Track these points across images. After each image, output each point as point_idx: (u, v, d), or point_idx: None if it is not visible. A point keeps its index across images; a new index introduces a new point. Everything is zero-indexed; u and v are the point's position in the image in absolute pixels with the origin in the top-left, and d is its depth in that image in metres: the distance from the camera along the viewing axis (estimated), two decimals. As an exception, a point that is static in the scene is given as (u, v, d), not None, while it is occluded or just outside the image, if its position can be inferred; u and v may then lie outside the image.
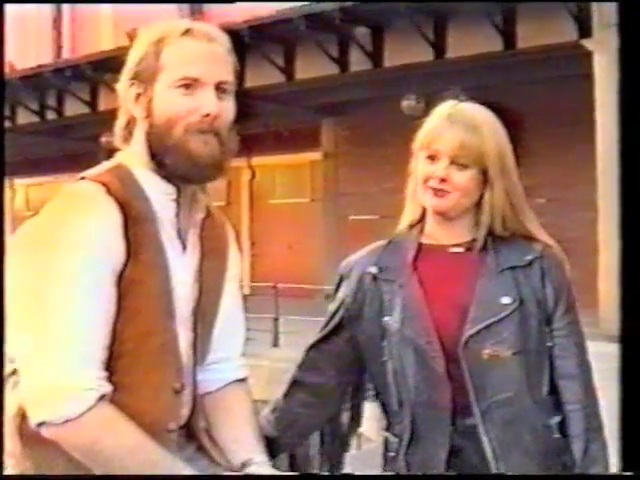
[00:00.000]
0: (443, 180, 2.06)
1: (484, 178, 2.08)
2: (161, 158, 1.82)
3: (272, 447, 2.08)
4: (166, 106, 1.81)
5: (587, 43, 10.02)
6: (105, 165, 1.87)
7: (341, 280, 2.22)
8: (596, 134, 9.58)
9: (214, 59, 1.84)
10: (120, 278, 1.75)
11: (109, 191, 1.75)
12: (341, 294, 2.20)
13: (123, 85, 1.87)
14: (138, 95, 1.84)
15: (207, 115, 1.80)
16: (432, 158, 2.08)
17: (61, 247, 1.70)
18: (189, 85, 1.80)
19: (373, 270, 2.15)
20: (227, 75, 1.86)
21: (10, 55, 15.07)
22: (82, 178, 1.81)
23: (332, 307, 2.22)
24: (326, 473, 2.31)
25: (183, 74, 1.80)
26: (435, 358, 2.03)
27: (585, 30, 10.16)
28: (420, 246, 2.15)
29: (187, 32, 1.83)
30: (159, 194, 1.84)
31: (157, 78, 1.82)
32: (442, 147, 2.06)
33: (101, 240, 1.72)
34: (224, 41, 1.88)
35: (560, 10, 10.27)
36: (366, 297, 2.14)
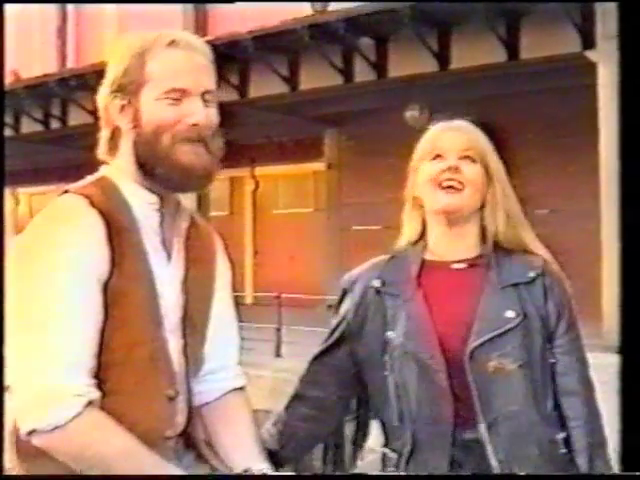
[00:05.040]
0: (456, 170, 2.07)
1: (487, 177, 2.12)
2: (151, 167, 1.85)
3: (274, 460, 2.08)
4: (154, 116, 1.83)
5: (591, 54, 10.03)
6: (89, 178, 1.89)
7: (344, 294, 2.22)
8: (599, 145, 9.58)
9: (198, 69, 1.87)
10: (106, 288, 1.76)
11: (92, 203, 1.78)
12: (344, 308, 2.20)
13: (105, 97, 1.89)
14: (122, 106, 1.86)
15: (195, 124, 1.83)
16: (438, 157, 2.10)
17: (47, 259, 1.72)
18: (176, 96, 1.83)
19: (376, 284, 2.15)
20: (211, 84, 1.90)
21: (15, 64, 15.13)
22: (66, 191, 1.84)
23: (334, 321, 2.21)
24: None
25: (170, 86, 1.83)
26: (438, 372, 2.02)
27: (589, 41, 10.17)
28: (423, 262, 2.15)
29: (172, 43, 1.86)
30: (142, 204, 1.86)
31: (142, 89, 1.84)
32: (448, 145, 2.10)
33: (85, 251, 1.74)
34: (206, 51, 1.91)
35: (564, 21, 10.29)
36: (369, 311, 2.14)
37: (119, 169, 1.88)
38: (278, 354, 11.46)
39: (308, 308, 13.35)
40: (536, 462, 2.03)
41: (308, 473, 2.28)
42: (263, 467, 1.93)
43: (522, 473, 2.01)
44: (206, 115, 1.85)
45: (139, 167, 1.86)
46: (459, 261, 2.13)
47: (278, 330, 11.69)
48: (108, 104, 1.88)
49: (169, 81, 1.83)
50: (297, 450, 2.27)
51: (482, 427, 2.00)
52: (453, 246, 2.13)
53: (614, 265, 8.53)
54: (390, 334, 2.08)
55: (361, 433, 2.31)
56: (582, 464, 2.04)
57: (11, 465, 1.79)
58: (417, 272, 2.13)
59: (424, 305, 2.08)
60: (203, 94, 1.86)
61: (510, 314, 2.04)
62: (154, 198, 1.87)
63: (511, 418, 2.01)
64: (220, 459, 1.97)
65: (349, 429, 2.30)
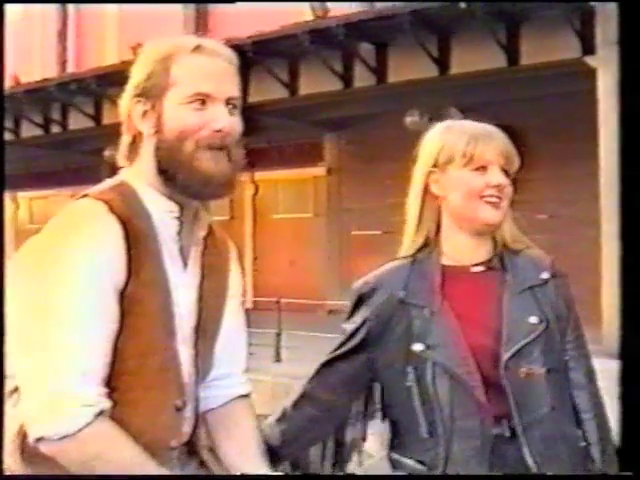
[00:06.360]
0: (503, 188, 2.06)
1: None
2: (172, 174, 1.82)
3: (274, 457, 2.07)
4: (177, 121, 1.80)
5: (590, 60, 10.04)
6: (108, 182, 1.86)
7: (360, 300, 2.17)
8: (599, 150, 9.59)
9: (223, 75, 1.85)
10: (122, 296, 1.74)
11: (111, 209, 1.75)
12: (361, 315, 2.15)
13: (127, 102, 1.86)
14: (145, 112, 1.83)
15: (219, 130, 1.81)
16: (481, 169, 2.06)
17: (63, 265, 1.70)
18: (201, 101, 1.81)
19: (401, 294, 2.10)
20: (235, 91, 1.88)
21: (15, 68, 15.14)
22: (85, 195, 1.81)
23: (351, 327, 2.16)
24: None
25: (195, 90, 1.80)
26: (476, 387, 2.00)
27: (589, 47, 10.18)
28: (443, 268, 2.12)
29: (197, 48, 1.83)
30: (161, 212, 1.84)
31: (166, 94, 1.81)
32: (493, 157, 2.06)
33: (103, 258, 1.72)
34: (231, 57, 1.89)
35: (564, 27, 10.30)
36: (391, 320, 2.10)
37: (139, 175, 1.85)
38: (278, 359, 11.44)
39: (308, 313, 13.37)
40: (566, 459, 2.05)
41: (306, 472, 2.28)
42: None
43: (554, 471, 2.01)
44: (230, 122, 1.83)
45: (160, 174, 1.83)
46: (477, 264, 2.12)
47: (278, 335, 11.67)
48: (131, 109, 1.85)
49: (194, 86, 1.80)
50: (298, 449, 2.27)
51: (519, 431, 2.00)
52: (471, 251, 2.13)
53: (613, 271, 8.54)
54: (418, 347, 2.05)
55: (360, 436, 2.29)
56: (596, 455, 2.07)
57: (15, 468, 1.78)
58: (440, 281, 2.10)
59: (453, 317, 2.05)
60: (227, 101, 1.84)
61: (533, 320, 2.05)
62: (174, 206, 1.85)
63: (543, 421, 2.02)
64: (223, 466, 1.97)
65: (350, 432, 2.29)
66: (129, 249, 1.74)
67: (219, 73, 1.84)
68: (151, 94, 1.83)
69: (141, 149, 1.86)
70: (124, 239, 1.74)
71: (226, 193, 1.87)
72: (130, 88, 1.86)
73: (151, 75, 1.83)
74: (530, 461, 1.99)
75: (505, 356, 2.00)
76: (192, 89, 1.80)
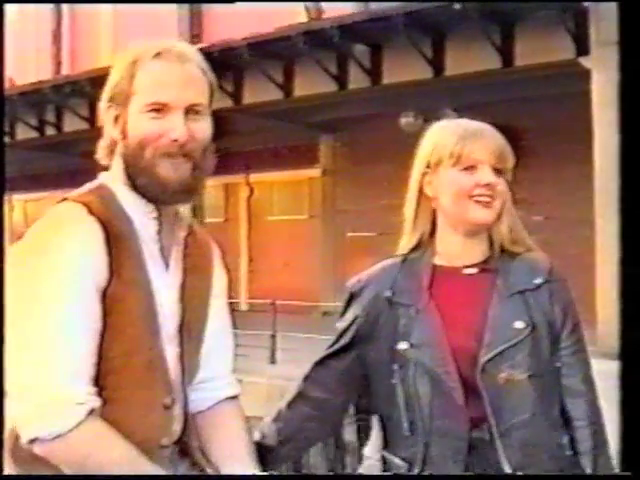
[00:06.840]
0: (493, 187, 2.04)
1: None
2: (134, 179, 1.85)
3: (272, 458, 2.08)
4: (137, 130, 1.82)
5: (585, 61, 10.06)
6: (87, 186, 1.89)
7: (351, 298, 2.18)
8: (594, 152, 9.60)
9: (185, 82, 1.83)
10: (104, 296, 1.76)
11: (90, 211, 1.77)
12: (352, 313, 2.17)
13: (102, 107, 1.89)
14: (116, 117, 1.86)
15: (175, 140, 1.81)
16: (470, 169, 2.05)
17: (45, 266, 1.72)
18: (159, 110, 1.81)
19: (388, 293, 2.11)
20: (199, 97, 1.86)
21: (10, 70, 15.12)
22: (64, 199, 1.83)
23: (342, 325, 2.18)
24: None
25: (152, 99, 1.81)
26: (454, 388, 2.00)
27: (583, 48, 10.20)
28: (434, 268, 2.11)
29: (158, 55, 1.83)
30: (140, 213, 1.86)
31: (130, 101, 1.83)
32: (482, 156, 2.04)
33: (84, 259, 1.74)
34: (198, 61, 1.87)
35: (558, 28, 10.32)
36: (379, 318, 2.11)
37: (116, 177, 1.88)
38: (273, 361, 11.45)
39: (303, 315, 13.36)
40: (546, 467, 2.02)
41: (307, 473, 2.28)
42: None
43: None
44: (189, 130, 1.82)
45: (127, 177, 1.86)
46: (469, 266, 2.11)
47: (273, 337, 11.68)
48: (104, 114, 1.88)
49: (151, 94, 1.81)
50: (296, 449, 2.28)
51: (495, 436, 1.99)
52: (464, 252, 2.11)
53: (609, 272, 8.54)
54: (402, 345, 2.06)
55: (363, 437, 2.29)
56: (587, 465, 2.04)
57: (8, 470, 1.78)
58: (429, 281, 2.10)
59: (437, 317, 2.05)
60: (189, 108, 1.83)
61: (519, 325, 2.02)
62: (151, 207, 1.87)
63: (522, 426, 2.00)
64: (214, 467, 1.97)
65: (349, 433, 2.29)
66: (110, 249, 1.77)
67: (179, 80, 1.83)
68: (118, 100, 1.85)
69: (115, 153, 1.89)
70: (104, 240, 1.76)
71: (185, 200, 1.90)
72: (104, 93, 1.88)
73: (119, 82, 1.85)
74: (506, 467, 1.98)
75: (483, 359, 1.99)
76: (149, 98, 1.81)
